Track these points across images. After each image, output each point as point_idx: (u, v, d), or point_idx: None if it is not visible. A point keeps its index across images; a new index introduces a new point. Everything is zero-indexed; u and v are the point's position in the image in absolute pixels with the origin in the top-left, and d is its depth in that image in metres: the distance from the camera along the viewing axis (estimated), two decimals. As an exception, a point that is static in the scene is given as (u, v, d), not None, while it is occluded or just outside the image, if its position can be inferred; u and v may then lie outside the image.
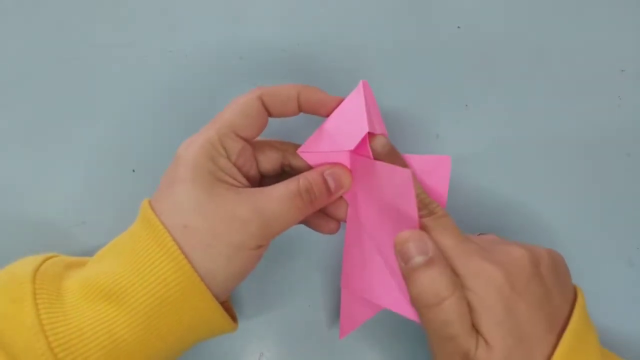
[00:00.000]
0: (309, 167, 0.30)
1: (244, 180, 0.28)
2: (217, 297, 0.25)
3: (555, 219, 0.36)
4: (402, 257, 0.26)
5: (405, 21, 0.39)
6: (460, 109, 0.38)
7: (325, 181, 0.28)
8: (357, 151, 0.28)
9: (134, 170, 0.36)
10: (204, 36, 0.38)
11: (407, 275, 0.26)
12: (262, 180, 0.31)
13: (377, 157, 0.28)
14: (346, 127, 0.29)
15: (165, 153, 0.36)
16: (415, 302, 0.26)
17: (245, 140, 0.28)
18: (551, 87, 0.38)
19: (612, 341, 0.33)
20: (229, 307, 0.28)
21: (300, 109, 0.29)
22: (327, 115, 0.30)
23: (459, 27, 0.39)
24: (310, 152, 0.29)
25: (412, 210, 0.27)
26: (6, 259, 0.26)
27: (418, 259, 0.25)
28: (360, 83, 0.29)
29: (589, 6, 0.40)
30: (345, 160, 0.29)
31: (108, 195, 0.35)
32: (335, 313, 0.34)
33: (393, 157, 0.29)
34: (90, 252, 0.34)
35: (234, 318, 0.28)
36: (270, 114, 0.29)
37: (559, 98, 0.38)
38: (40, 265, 0.25)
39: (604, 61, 0.39)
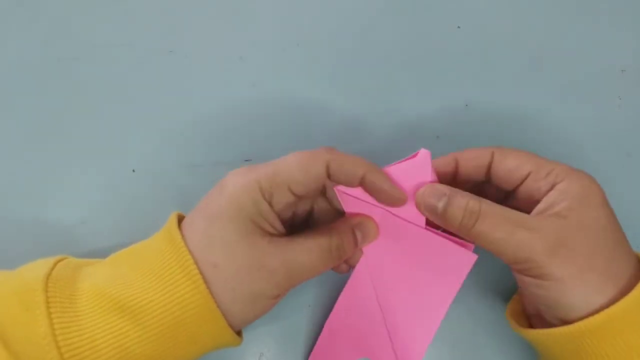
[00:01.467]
0: (332, 210, 0.30)
1: (280, 227, 0.27)
2: (231, 327, 0.26)
3: (555, 219, 0.35)
4: (429, 211, 0.27)
5: (405, 21, 0.39)
6: (460, 109, 0.38)
7: (355, 236, 0.28)
8: (402, 215, 0.28)
9: (134, 170, 0.36)
10: (204, 36, 0.38)
11: (443, 218, 0.27)
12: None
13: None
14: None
15: (166, 153, 0.36)
16: (464, 232, 0.26)
17: (295, 195, 0.27)
18: (551, 87, 0.38)
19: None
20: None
21: (360, 186, 0.28)
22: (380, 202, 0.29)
23: (459, 27, 0.39)
24: (348, 194, 0.28)
25: (454, 290, 0.28)
26: (6, 259, 0.26)
27: (441, 204, 0.26)
28: (424, 154, 0.28)
29: (589, 6, 0.40)
30: (380, 216, 0.29)
31: (108, 195, 0.35)
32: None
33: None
34: (90, 252, 0.34)
35: (239, 333, 0.28)
36: (329, 179, 0.28)
37: (559, 98, 0.38)
38: (52, 269, 0.25)
39: (604, 61, 0.39)
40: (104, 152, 0.36)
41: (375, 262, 0.30)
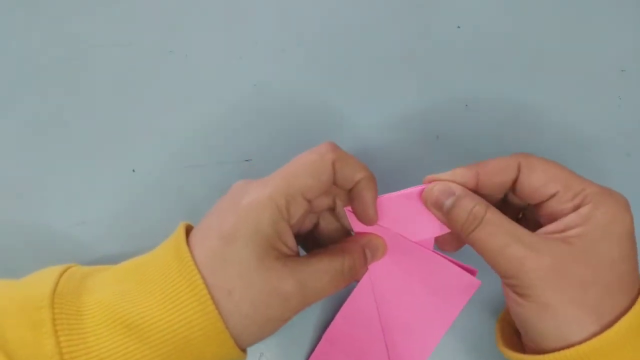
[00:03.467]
0: (339, 226, 0.30)
1: (294, 245, 0.27)
2: (239, 346, 0.25)
3: (555, 219, 0.36)
4: (436, 206, 0.27)
5: (405, 21, 0.39)
6: (460, 109, 0.38)
7: (365, 256, 0.29)
8: (412, 237, 0.29)
9: (134, 170, 0.36)
10: (204, 36, 0.38)
11: (447, 217, 0.27)
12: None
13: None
14: (410, 217, 0.28)
15: (166, 153, 0.36)
16: (464, 234, 0.26)
17: (308, 201, 0.27)
18: (551, 87, 0.38)
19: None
20: None
21: (351, 191, 0.28)
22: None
23: (459, 27, 0.39)
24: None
25: (454, 314, 0.29)
26: (7, 259, 0.26)
27: (448, 202, 0.26)
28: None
29: (589, 6, 0.40)
30: (389, 236, 0.29)
31: (108, 195, 0.35)
32: (335, 313, 0.34)
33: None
34: (90, 252, 0.34)
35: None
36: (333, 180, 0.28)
37: (559, 98, 0.38)
38: (57, 282, 0.24)
39: (604, 61, 0.39)
40: (104, 152, 0.36)
41: (380, 278, 0.30)
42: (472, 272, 0.29)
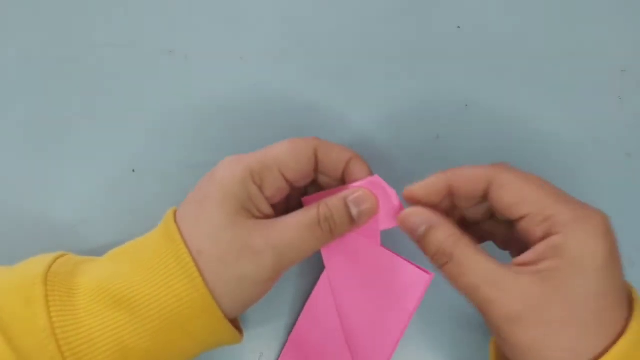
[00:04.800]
0: (335, 184, 0.29)
1: (269, 211, 0.27)
2: (226, 316, 0.25)
3: (555, 219, 0.35)
4: (410, 230, 0.26)
5: (405, 21, 0.39)
6: (460, 109, 0.38)
7: (347, 208, 0.27)
8: (363, 232, 0.28)
9: (134, 170, 0.36)
10: (204, 36, 0.38)
11: (419, 243, 0.26)
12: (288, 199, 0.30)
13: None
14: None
15: (166, 153, 0.36)
16: (435, 264, 0.26)
17: (287, 180, 0.27)
18: (551, 87, 0.38)
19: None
20: (236, 320, 0.29)
21: (340, 177, 0.28)
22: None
23: (459, 27, 0.39)
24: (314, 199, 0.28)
25: (409, 310, 0.28)
26: (7, 259, 0.26)
27: (421, 229, 0.25)
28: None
29: (589, 6, 0.40)
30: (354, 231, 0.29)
31: (108, 195, 0.35)
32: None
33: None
34: (90, 252, 0.34)
35: (239, 330, 0.28)
36: (315, 168, 0.28)
37: (559, 98, 0.38)
38: (52, 264, 0.25)
39: (604, 61, 0.39)
40: (104, 152, 0.36)
41: (337, 278, 0.30)
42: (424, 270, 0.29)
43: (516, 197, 0.24)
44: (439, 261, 0.25)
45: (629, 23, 0.39)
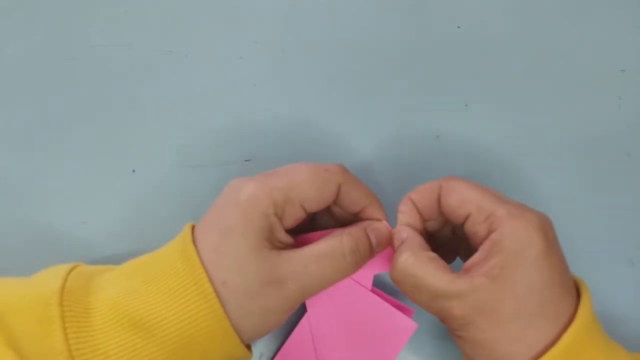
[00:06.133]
0: (335, 225, 0.29)
1: (289, 240, 0.27)
2: (243, 342, 0.25)
3: (555, 219, 0.35)
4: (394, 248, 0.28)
5: (405, 21, 0.39)
6: (460, 109, 0.38)
7: (369, 239, 0.27)
8: (354, 277, 0.28)
9: (134, 170, 0.36)
10: (204, 36, 0.38)
11: None
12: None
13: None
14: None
15: (165, 153, 0.36)
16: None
17: (306, 211, 0.27)
18: (551, 87, 0.38)
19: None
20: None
21: (355, 214, 0.29)
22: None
23: (459, 27, 0.39)
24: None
25: (392, 356, 0.29)
26: (7, 259, 0.26)
27: (397, 247, 0.27)
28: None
29: (588, 6, 0.40)
30: None
31: (108, 195, 0.35)
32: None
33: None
34: (90, 252, 0.34)
35: (249, 347, 0.28)
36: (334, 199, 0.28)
37: (559, 98, 0.38)
38: (66, 280, 0.24)
39: (604, 61, 0.39)
40: (104, 152, 0.36)
41: (319, 320, 0.29)
42: (409, 312, 0.29)
43: (459, 199, 0.26)
44: (404, 279, 0.26)
45: (629, 23, 0.39)
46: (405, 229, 0.27)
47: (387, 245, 0.28)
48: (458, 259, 0.31)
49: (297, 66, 0.38)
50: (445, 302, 0.24)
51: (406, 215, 0.28)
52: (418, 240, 0.27)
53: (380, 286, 0.31)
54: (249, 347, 0.27)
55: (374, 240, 0.27)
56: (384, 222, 0.28)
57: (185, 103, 0.37)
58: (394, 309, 0.29)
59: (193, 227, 0.27)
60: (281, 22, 0.39)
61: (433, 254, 0.26)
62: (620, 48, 0.39)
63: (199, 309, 0.24)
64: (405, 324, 0.29)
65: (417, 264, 0.25)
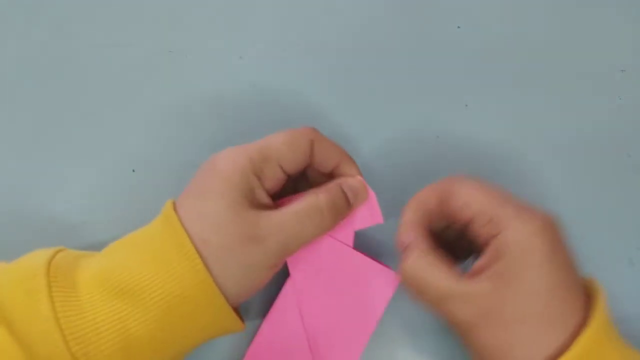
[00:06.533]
0: (322, 177, 0.30)
1: (269, 202, 0.27)
2: (229, 304, 0.26)
3: (555, 219, 0.36)
4: (399, 246, 0.27)
5: (405, 21, 0.39)
6: (460, 109, 0.38)
7: (345, 194, 0.28)
8: (335, 235, 0.29)
9: (134, 170, 0.36)
10: (204, 36, 0.38)
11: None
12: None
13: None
14: None
15: (165, 153, 0.36)
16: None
17: (284, 172, 0.28)
18: (551, 87, 0.38)
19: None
20: (237, 309, 0.29)
21: (329, 174, 0.29)
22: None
23: (459, 27, 0.39)
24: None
25: (378, 311, 0.28)
26: (7, 258, 0.26)
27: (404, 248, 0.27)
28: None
29: (589, 6, 0.40)
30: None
31: (108, 195, 0.35)
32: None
33: None
34: (90, 252, 0.34)
35: (241, 318, 0.28)
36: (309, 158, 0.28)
37: (559, 98, 0.38)
38: (52, 258, 0.25)
39: (604, 61, 0.39)
40: (104, 152, 0.36)
41: (303, 284, 0.29)
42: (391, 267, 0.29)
43: (463, 201, 0.26)
44: (408, 281, 0.26)
45: (629, 23, 0.40)
46: (411, 231, 0.27)
47: (364, 200, 0.29)
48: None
49: (297, 66, 0.38)
50: (450, 305, 0.24)
51: (411, 218, 0.28)
52: (424, 242, 0.27)
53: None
54: (240, 316, 0.28)
55: (349, 194, 0.28)
56: (359, 177, 0.29)
57: (184, 103, 0.37)
58: (376, 263, 0.29)
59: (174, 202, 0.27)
60: (281, 21, 0.39)
61: (439, 256, 0.26)
62: (620, 48, 0.39)
63: (183, 270, 0.24)
64: (389, 278, 0.28)
65: (423, 266, 0.25)
